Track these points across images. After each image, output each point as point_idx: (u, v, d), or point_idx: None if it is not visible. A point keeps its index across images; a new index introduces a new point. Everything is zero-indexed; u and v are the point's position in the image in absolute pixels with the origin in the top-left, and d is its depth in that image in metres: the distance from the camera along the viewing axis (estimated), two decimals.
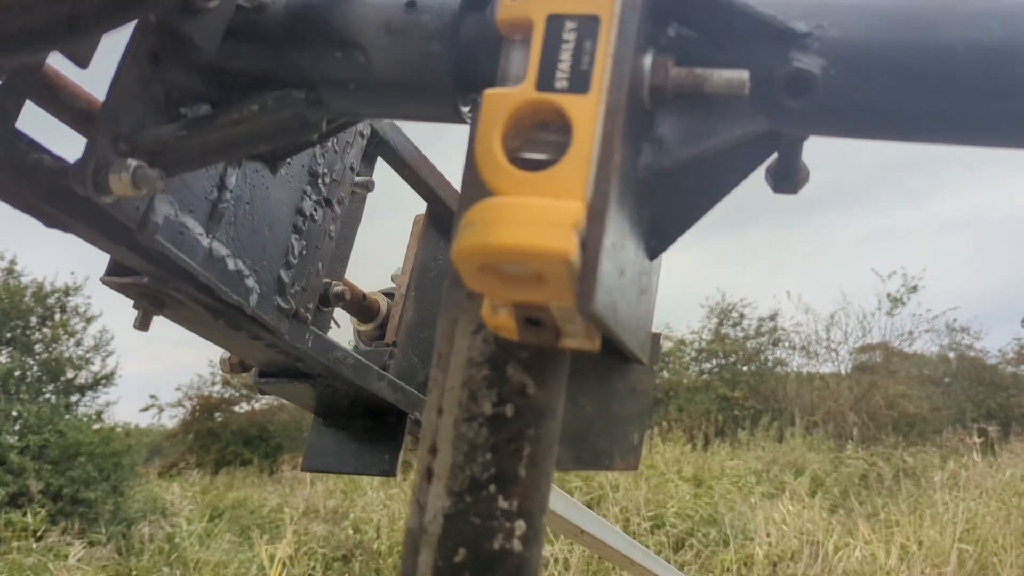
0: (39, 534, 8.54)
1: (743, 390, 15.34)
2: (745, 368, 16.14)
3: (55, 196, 0.73)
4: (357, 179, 1.09)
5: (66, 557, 7.83)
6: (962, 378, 15.67)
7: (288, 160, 0.94)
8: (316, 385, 1.12)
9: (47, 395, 11.20)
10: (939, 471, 9.51)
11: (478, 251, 0.50)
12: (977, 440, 10.73)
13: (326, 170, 1.01)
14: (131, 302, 0.90)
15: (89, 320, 12.75)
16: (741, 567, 8.09)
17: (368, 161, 1.14)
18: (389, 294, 1.37)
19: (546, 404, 0.64)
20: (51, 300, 12.26)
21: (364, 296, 1.31)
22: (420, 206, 1.33)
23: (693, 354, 16.81)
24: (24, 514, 8.67)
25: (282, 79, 0.72)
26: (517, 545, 0.62)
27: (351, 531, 8.64)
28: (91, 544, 8.77)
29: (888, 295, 15.93)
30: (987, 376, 15.44)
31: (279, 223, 0.94)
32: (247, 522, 9.68)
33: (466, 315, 0.64)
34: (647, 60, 0.57)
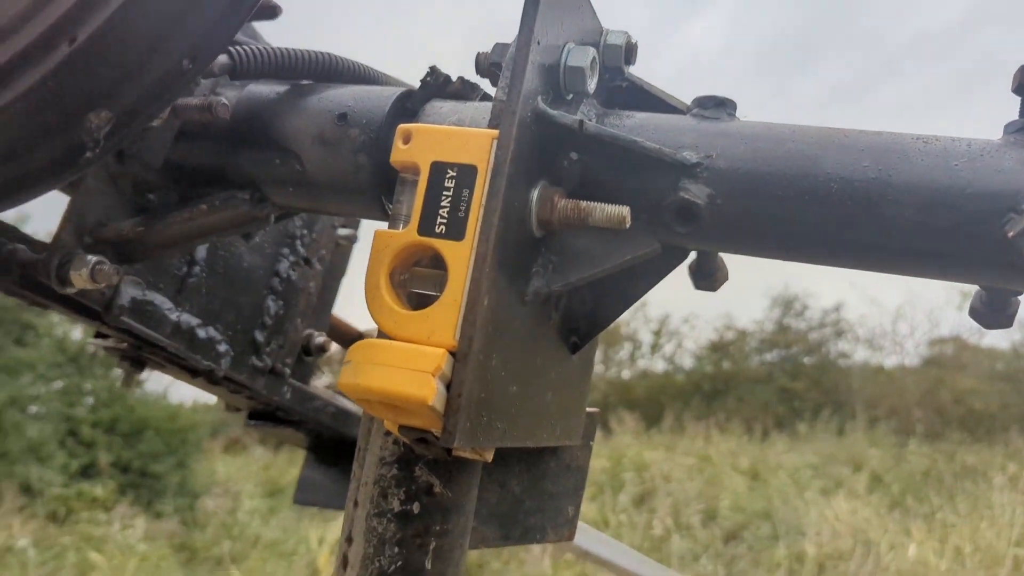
0: (108, 505, 8.91)
1: (804, 382, 15.11)
2: (807, 360, 15.89)
3: (29, 283, 0.79)
4: (340, 232, 1.15)
5: (133, 528, 8.17)
6: None
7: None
8: (301, 429, 1.18)
9: (118, 370, 11.61)
10: (1000, 472, 9.25)
11: (352, 389, 0.55)
12: None
13: (304, 231, 1.07)
14: None
15: None
16: (793, 563, 8.01)
17: None
18: None
19: (453, 502, 0.68)
20: None
21: (360, 334, 1.36)
22: None
23: (755, 345, 16.60)
24: (95, 485, 9.05)
25: (229, 178, 0.77)
26: None
27: None
28: (157, 516, 9.12)
29: (959, 289, 15.45)
30: None
31: (254, 287, 1.00)
32: None
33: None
34: (535, 193, 0.61)
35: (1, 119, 0.52)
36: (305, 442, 1.27)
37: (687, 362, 16.77)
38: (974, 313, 0.66)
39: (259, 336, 1.01)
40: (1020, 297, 0.65)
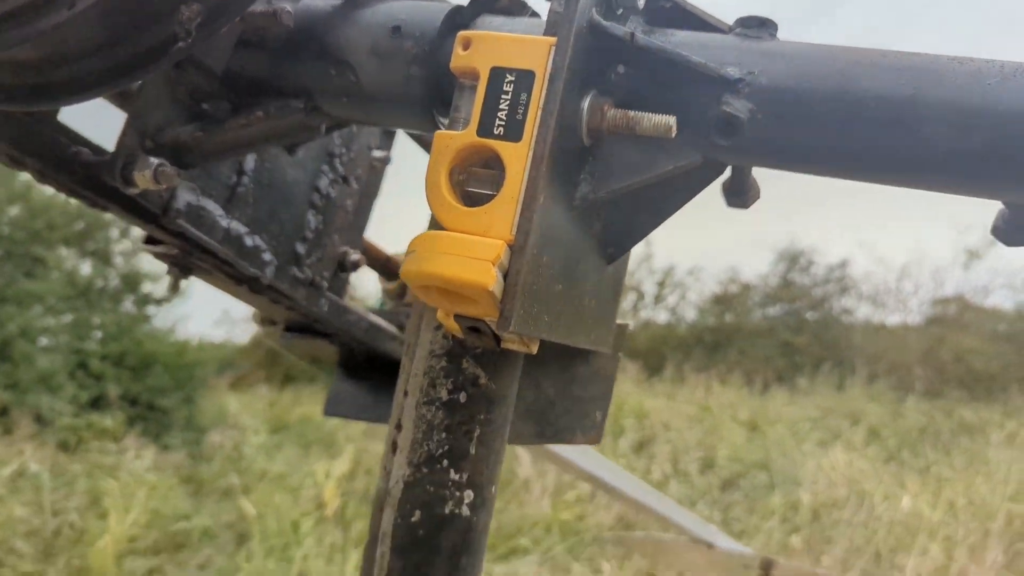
0: (118, 436, 9.07)
1: (806, 337, 15.19)
2: (810, 315, 15.95)
3: (91, 184, 0.83)
4: (375, 154, 1.18)
5: (142, 459, 8.33)
6: None
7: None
8: (335, 342, 1.23)
9: (126, 306, 11.68)
10: (997, 429, 9.37)
11: (415, 276, 0.59)
12: None
13: (343, 150, 1.10)
14: None
15: None
16: (787, 510, 8.16)
17: (387, 136, 1.22)
18: None
19: (496, 392, 0.73)
20: None
21: (388, 257, 1.41)
22: None
23: (758, 299, 16.65)
24: (104, 417, 9.21)
25: (283, 89, 0.81)
26: (465, 511, 0.73)
27: None
28: (165, 448, 9.28)
29: (966, 249, 15.46)
30: None
31: (296, 201, 1.04)
32: (310, 438, 10.10)
33: (431, 312, 0.73)
34: (585, 103, 0.64)
35: (103, 8, 0.56)
36: (336, 356, 1.32)
37: (690, 314, 16.85)
38: (996, 231, 0.70)
39: (300, 248, 1.05)
40: None
